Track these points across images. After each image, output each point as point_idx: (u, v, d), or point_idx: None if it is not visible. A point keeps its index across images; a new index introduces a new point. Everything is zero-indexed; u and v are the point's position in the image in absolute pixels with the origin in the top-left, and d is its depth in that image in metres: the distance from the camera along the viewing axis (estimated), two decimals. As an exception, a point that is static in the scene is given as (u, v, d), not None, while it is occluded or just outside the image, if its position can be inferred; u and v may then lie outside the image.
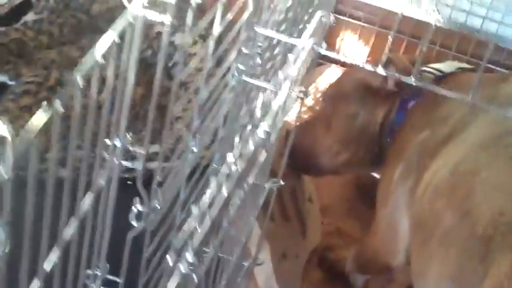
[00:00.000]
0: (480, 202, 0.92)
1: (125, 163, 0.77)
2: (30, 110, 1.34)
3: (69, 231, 0.59)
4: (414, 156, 1.11)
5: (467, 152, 1.00)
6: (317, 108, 1.75)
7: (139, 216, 0.68)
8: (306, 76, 1.83)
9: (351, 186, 1.63)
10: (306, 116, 1.70)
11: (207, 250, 0.68)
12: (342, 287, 1.37)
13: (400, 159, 1.15)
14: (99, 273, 0.80)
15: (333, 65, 1.95)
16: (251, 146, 0.72)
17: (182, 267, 0.59)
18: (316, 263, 1.42)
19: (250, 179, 0.74)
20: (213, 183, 0.63)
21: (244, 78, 0.81)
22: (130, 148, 0.79)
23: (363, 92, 1.31)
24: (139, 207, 0.67)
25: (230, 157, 0.68)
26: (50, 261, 0.57)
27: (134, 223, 0.67)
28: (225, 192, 0.67)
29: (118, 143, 0.74)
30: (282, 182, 1.04)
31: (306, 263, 1.39)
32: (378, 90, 1.29)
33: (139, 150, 0.79)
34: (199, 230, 0.62)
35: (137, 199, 0.67)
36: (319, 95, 1.80)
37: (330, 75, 1.89)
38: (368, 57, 1.94)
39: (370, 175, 1.51)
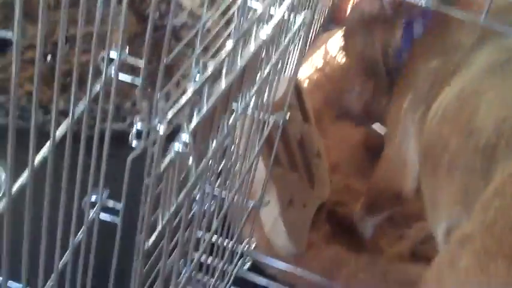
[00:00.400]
0: (484, 118, 0.88)
1: (122, 75, 0.76)
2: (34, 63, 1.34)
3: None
4: (424, 85, 1.09)
5: (473, 76, 0.97)
6: (326, 70, 1.73)
7: (139, 136, 0.66)
8: (317, 39, 1.82)
9: (360, 147, 1.61)
10: (315, 77, 1.69)
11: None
12: (349, 242, 1.35)
13: (410, 88, 1.13)
14: (98, 200, 0.79)
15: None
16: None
17: (177, 146, 0.57)
18: (325, 217, 1.40)
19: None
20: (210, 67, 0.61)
21: None
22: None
23: (364, 23, 1.28)
24: (139, 126, 0.65)
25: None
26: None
27: (134, 143, 0.64)
28: (223, 84, 0.65)
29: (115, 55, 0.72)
30: (287, 116, 1.03)
31: (314, 217, 1.37)
32: (377, 17, 1.25)
33: (139, 63, 0.78)
34: (195, 115, 0.61)
35: (137, 117, 0.66)
36: (328, 57, 1.78)
37: (340, 38, 1.87)
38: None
39: (379, 137, 1.49)
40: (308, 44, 1.76)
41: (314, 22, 1.75)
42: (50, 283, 0.73)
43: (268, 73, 0.85)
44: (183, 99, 0.56)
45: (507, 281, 0.64)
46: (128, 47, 0.71)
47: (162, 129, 0.53)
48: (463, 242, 0.73)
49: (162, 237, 0.65)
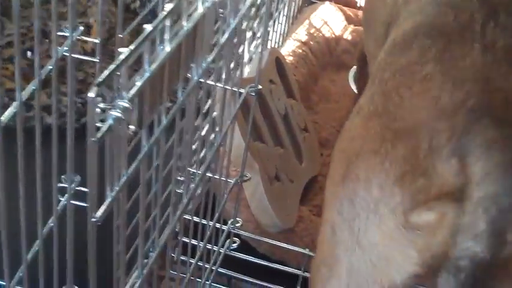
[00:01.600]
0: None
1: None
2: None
3: None
4: None
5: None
6: (311, 43, 1.70)
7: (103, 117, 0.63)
8: (300, 14, 1.79)
9: (348, 115, 1.58)
10: (300, 51, 1.66)
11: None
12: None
13: None
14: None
15: (327, 2, 1.90)
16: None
17: (114, 112, 0.55)
18: (318, 189, 1.38)
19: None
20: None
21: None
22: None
23: None
24: (102, 105, 0.62)
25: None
26: None
27: (99, 124, 0.61)
28: (167, 48, 0.63)
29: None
30: (259, 86, 1.01)
31: (305, 191, 1.35)
32: None
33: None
34: (138, 82, 0.58)
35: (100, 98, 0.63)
36: (312, 30, 1.75)
37: (324, 12, 1.84)
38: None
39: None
40: (291, 18, 1.73)
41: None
42: (19, 273, 0.71)
43: (229, 39, 0.82)
44: (115, 63, 0.53)
45: (378, 132, 0.82)
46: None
47: (93, 91, 0.51)
48: (358, 111, 0.90)
49: (119, 211, 0.63)
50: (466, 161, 0.76)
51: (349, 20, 1.92)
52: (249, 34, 1.36)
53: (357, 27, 1.88)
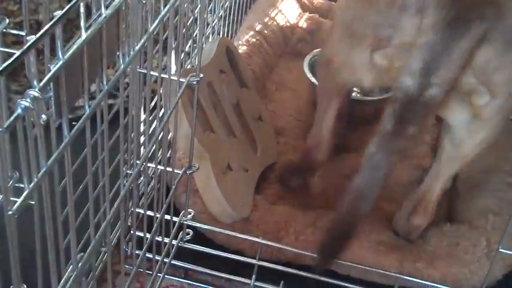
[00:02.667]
0: None
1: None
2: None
3: None
4: None
5: None
6: (266, 32, 1.69)
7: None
8: (254, 3, 1.77)
9: (306, 105, 1.58)
10: (254, 40, 1.65)
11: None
12: (298, 201, 1.32)
13: None
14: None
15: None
16: None
17: (23, 101, 0.53)
18: (274, 178, 1.37)
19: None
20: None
21: None
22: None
23: None
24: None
25: None
26: None
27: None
28: (83, 35, 0.61)
29: None
30: (201, 75, 1.00)
31: (261, 179, 1.34)
32: None
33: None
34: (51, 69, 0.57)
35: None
36: (267, 19, 1.74)
37: (278, 0, 1.84)
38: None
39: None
40: (244, 7, 1.72)
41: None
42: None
43: (160, 28, 0.81)
44: (21, 51, 0.52)
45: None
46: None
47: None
48: None
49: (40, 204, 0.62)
50: (423, 17, 0.98)
51: (304, 7, 1.91)
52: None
53: (312, 14, 1.88)
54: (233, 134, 1.29)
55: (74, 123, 0.65)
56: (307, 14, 1.88)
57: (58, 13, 0.57)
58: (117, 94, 0.87)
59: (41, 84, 0.55)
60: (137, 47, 0.76)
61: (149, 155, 0.94)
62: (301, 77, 1.62)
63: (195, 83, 0.99)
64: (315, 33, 1.81)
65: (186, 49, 1.31)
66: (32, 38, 0.54)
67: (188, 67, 1.32)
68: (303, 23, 1.84)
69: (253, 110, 1.40)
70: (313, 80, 1.55)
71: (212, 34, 1.49)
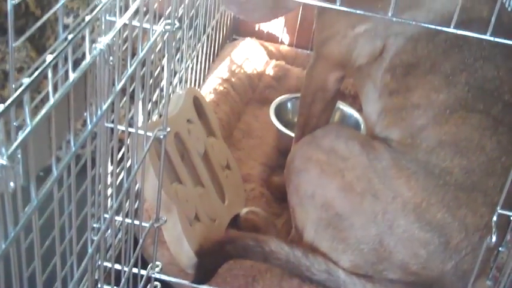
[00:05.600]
0: None
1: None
2: None
3: None
4: None
5: None
6: (233, 80, 1.71)
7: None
8: (221, 51, 1.79)
9: (272, 152, 1.59)
10: (221, 88, 1.66)
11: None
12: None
13: None
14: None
15: (248, 38, 1.92)
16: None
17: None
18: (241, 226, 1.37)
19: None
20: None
21: None
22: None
23: None
24: None
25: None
26: None
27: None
28: (51, 100, 0.62)
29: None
30: (168, 129, 1.00)
31: (229, 229, 1.34)
32: None
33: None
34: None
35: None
36: (234, 67, 1.76)
37: (245, 48, 1.86)
38: None
39: (290, 138, 1.47)
40: (212, 55, 1.74)
41: (216, 33, 1.73)
42: None
43: (128, 85, 0.82)
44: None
45: None
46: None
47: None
48: None
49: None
50: None
51: (271, 55, 1.94)
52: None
53: (278, 62, 1.90)
54: (201, 184, 1.30)
55: (41, 173, 0.65)
56: (274, 61, 1.90)
57: (25, 80, 0.57)
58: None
59: (9, 152, 0.55)
60: (104, 107, 0.76)
61: (113, 207, 0.94)
62: (268, 125, 1.64)
63: (162, 137, 1.00)
64: (282, 80, 1.83)
65: (154, 98, 1.32)
66: None
67: (155, 117, 1.33)
68: (270, 70, 1.86)
69: (220, 158, 1.41)
70: (279, 126, 1.57)
71: (180, 82, 1.50)
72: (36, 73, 0.58)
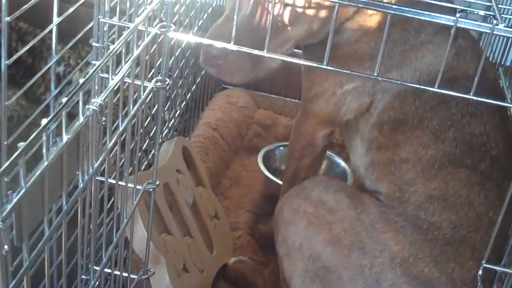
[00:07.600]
0: None
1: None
2: None
3: None
4: None
5: None
6: (222, 129, 1.73)
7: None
8: (211, 100, 1.81)
9: (260, 199, 1.61)
10: (211, 136, 1.68)
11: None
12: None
13: None
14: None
15: (237, 87, 1.94)
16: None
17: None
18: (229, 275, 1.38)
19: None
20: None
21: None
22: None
23: None
24: None
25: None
26: None
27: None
28: (44, 163, 0.63)
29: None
30: (157, 182, 1.01)
31: (217, 279, 1.34)
32: None
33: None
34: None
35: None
36: (223, 116, 1.78)
37: (235, 97, 1.88)
38: None
39: (277, 185, 1.48)
40: (201, 104, 1.76)
41: (205, 82, 1.76)
42: None
43: (119, 143, 0.83)
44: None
45: None
46: None
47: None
48: None
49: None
50: None
51: (259, 104, 1.96)
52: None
53: (267, 111, 1.93)
54: (189, 234, 1.31)
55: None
56: (262, 110, 1.93)
57: (21, 144, 0.58)
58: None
59: (3, 214, 0.56)
60: (96, 164, 0.77)
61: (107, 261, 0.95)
62: (256, 173, 1.66)
63: (151, 190, 1.01)
64: (270, 129, 1.85)
65: (144, 147, 1.33)
66: None
67: (144, 167, 1.34)
68: (258, 119, 1.88)
69: (209, 208, 1.42)
70: (267, 173, 1.59)
71: (170, 131, 1.52)
72: (31, 137, 0.59)
